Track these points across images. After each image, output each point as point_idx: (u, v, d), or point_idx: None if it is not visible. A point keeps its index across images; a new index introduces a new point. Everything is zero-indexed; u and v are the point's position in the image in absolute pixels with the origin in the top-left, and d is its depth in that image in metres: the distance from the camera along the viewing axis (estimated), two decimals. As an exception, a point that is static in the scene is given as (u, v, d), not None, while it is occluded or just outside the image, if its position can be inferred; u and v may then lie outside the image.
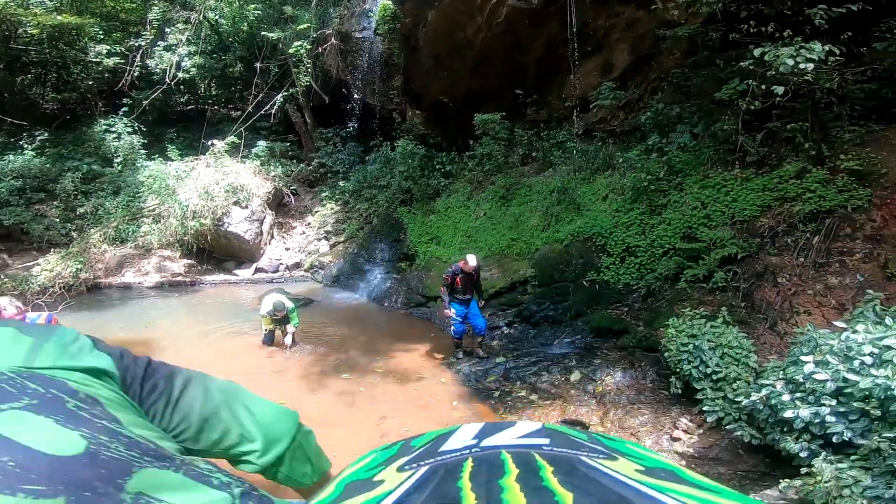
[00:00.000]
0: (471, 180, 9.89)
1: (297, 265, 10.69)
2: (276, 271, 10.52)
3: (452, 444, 0.47)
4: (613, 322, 5.91)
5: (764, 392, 3.36)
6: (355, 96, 12.50)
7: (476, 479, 0.37)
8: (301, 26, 11.81)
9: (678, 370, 4.18)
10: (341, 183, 12.08)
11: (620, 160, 7.28)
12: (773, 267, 4.92)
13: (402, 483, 0.39)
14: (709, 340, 4.05)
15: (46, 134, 11.70)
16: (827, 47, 4.65)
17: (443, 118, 11.15)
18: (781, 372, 3.45)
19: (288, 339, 6.54)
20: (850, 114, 5.35)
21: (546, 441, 0.45)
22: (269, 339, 6.64)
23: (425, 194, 10.20)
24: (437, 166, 10.56)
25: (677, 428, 4.18)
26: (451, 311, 6.06)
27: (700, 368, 3.96)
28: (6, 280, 8.12)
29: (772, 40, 5.09)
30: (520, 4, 8.63)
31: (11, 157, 10.78)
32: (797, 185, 5.19)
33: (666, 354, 4.32)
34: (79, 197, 10.58)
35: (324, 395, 5.44)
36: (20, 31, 11.70)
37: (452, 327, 6.23)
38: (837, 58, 4.73)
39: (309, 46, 11.77)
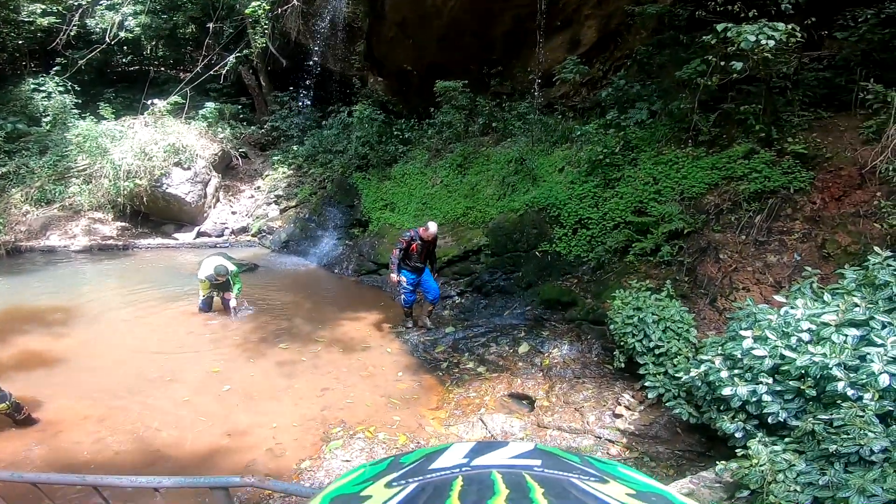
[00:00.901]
0: (429, 148, 9.53)
1: (244, 230, 10.04)
2: (220, 235, 9.85)
3: (443, 462, 0.45)
4: (563, 293, 5.79)
5: (703, 368, 3.25)
6: (315, 60, 11.80)
7: (465, 499, 0.36)
8: None
9: (622, 343, 4.08)
10: (295, 147, 11.54)
11: (578, 133, 7.08)
12: (716, 243, 4.88)
13: (389, 499, 0.38)
14: (653, 313, 3.94)
15: None
16: (790, 26, 4.56)
17: (405, 86, 10.70)
18: (720, 348, 3.34)
19: (233, 303, 6.13)
20: (802, 99, 5.39)
21: (537, 462, 0.44)
22: (207, 306, 6.25)
23: (382, 160, 9.79)
24: (396, 133, 10.17)
25: (619, 404, 4.09)
26: (402, 279, 5.75)
27: (643, 342, 3.85)
28: None
29: (736, 21, 4.97)
30: None
31: None
32: (745, 165, 5.17)
33: (612, 327, 4.20)
34: (0, 157, 9.55)
35: (263, 364, 5.19)
36: None
37: (402, 296, 5.91)
38: (798, 40, 4.68)
39: (268, 7, 10.92)
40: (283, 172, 11.07)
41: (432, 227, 5.64)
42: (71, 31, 11.71)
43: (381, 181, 9.50)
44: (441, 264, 7.45)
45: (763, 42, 4.49)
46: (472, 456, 0.45)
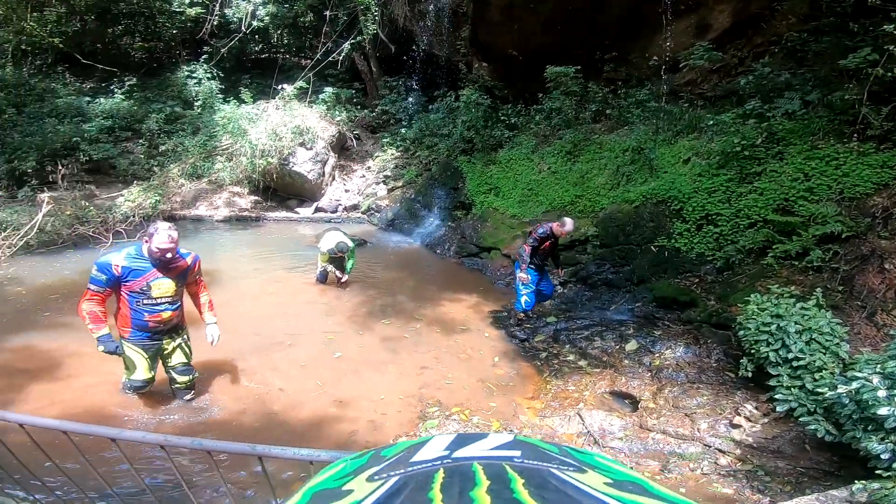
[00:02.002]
0: (536, 134, 9.45)
1: (355, 207, 10.84)
2: (334, 211, 10.74)
3: (424, 454, 0.46)
4: (680, 292, 5.48)
5: (854, 385, 2.96)
6: (421, 46, 12.11)
7: (447, 491, 0.36)
8: None
9: (753, 351, 3.79)
10: (403, 130, 12.04)
11: (710, 122, 6.54)
12: (881, 251, 4.29)
13: (371, 493, 0.38)
14: (796, 323, 3.60)
15: (135, 80, 12.39)
16: None
17: (511, 71, 10.60)
18: (879, 366, 3.02)
19: (344, 278, 6.64)
20: None
21: (517, 453, 0.45)
22: (323, 277, 6.70)
23: (487, 145, 9.90)
24: (502, 118, 10.19)
25: (739, 414, 3.85)
26: (528, 277, 5.39)
27: (780, 353, 3.55)
28: (92, 209, 8.83)
29: None
30: None
31: (102, 99, 11.63)
32: None
33: (741, 333, 3.92)
34: (161, 136, 11.18)
35: (369, 337, 5.46)
36: None
37: (523, 297, 5.52)
38: None
39: None
40: (392, 154, 11.70)
41: (569, 223, 5.20)
42: (214, 20, 13.00)
43: (486, 165, 9.63)
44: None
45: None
46: (452, 448, 0.46)
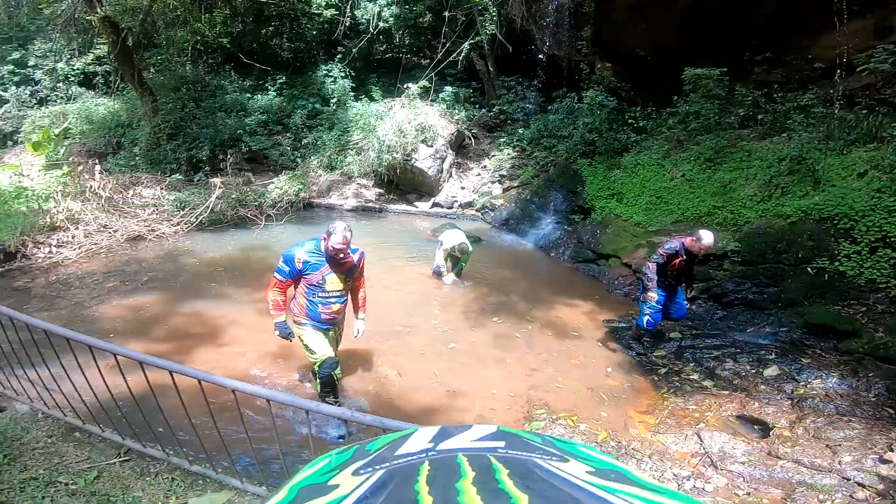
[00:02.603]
0: (669, 138, 8.84)
1: (470, 204, 11.13)
2: (450, 207, 11.13)
3: (409, 447, 0.46)
4: (840, 320, 4.92)
5: None
6: (540, 46, 11.96)
7: (433, 483, 0.37)
8: None
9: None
10: (520, 130, 12.03)
11: None
12: None
13: (357, 487, 0.39)
14: None
15: (284, 78, 13.98)
16: None
17: (638, 72, 10.03)
18: None
19: (455, 276, 6.90)
20: None
21: (501, 444, 0.45)
22: (439, 271, 7.00)
23: (611, 148, 9.49)
24: (629, 120, 9.71)
25: (893, 450, 3.46)
26: (655, 296, 4.93)
27: None
28: (250, 193, 10.28)
29: None
30: None
31: (259, 96, 13.39)
32: None
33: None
34: (304, 130, 12.57)
35: (482, 333, 5.58)
36: None
37: (646, 316, 5.07)
38: None
39: None
40: (508, 154, 11.78)
41: (708, 238, 4.61)
42: (346, 22, 14.01)
43: (609, 169, 9.26)
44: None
45: None
46: (437, 440, 0.47)
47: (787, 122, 7.39)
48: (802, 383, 4.46)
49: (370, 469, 0.42)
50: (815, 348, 4.92)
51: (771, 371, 4.66)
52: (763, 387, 4.50)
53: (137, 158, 11.87)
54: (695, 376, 4.80)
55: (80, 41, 15.55)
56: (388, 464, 0.42)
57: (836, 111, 6.85)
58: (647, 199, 8.24)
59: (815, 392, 4.32)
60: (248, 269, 7.36)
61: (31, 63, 15.91)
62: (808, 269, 5.43)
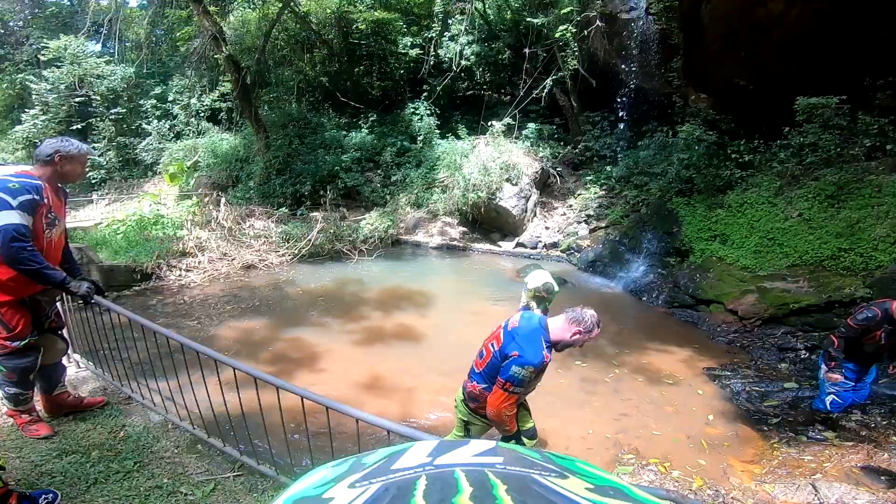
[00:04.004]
0: (781, 174, 8.18)
1: (555, 245, 10.98)
2: (534, 248, 11.05)
3: (406, 461, 0.46)
4: None
5: None
6: (625, 80, 11.80)
7: (429, 498, 0.37)
8: (564, 10, 11.80)
9: None
10: (608, 167, 11.78)
11: None
12: None
13: (352, 501, 0.38)
14: None
15: (374, 116, 14.95)
16: None
17: (739, 103, 9.47)
18: None
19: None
20: None
21: (499, 460, 0.45)
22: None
23: (711, 185, 8.95)
24: (732, 155, 9.10)
25: None
26: (838, 377, 4.10)
27: None
28: (346, 228, 11.09)
29: None
30: None
31: (353, 133, 14.38)
32: None
33: None
34: (393, 167, 13.32)
35: (568, 376, 5.46)
36: (354, 27, 15.11)
37: (832, 396, 4.20)
38: None
39: (574, 30, 11.65)
40: (595, 192, 11.56)
41: None
42: (430, 61, 14.78)
43: (710, 209, 8.72)
44: (787, 310, 6.36)
45: None
46: (434, 455, 0.46)
47: None
48: (946, 440, 3.92)
49: (366, 482, 0.42)
50: None
51: (908, 424, 4.17)
52: (895, 438, 4.10)
53: (252, 192, 13.22)
54: (814, 427, 4.42)
55: (210, 78, 17.16)
56: (384, 477, 0.42)
57: None
58: (756, 240, 7.64)
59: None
60: (342, 300, 7.87)
61: (169, 98, 17.70)
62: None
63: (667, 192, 9.58)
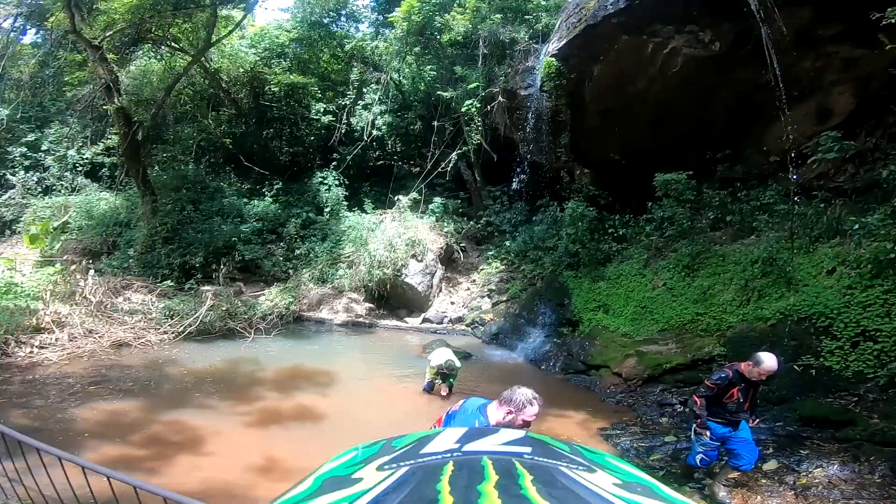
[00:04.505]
0: (648, 246, 9.48)
1: (460, 319, 11.38)
2: (440, 323, 11.35)
3: (435, 446, 0.47)
4: (834, 412, 5.22)
5: None
6: (522, 154, 12.54)
7: (455, 483, 0.38)
8: (471, 85, 12.57)
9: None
10: (507, 243, 12.60)
11: (855, 226, 6.23)
12: None
13: (380, 482, 0.40)
14: None
15: (281, 183, 14.31)
16: None
17: (614, 177, 10.86)
18: None
19: (444, 391, 6.99)
20: None
21: (528, 450, 0.46)
22: (430, 388, 7.16)
23: (594, 259, 9.99)
24: (609, 230, 10.36)
25: None
26: (706, 433, 4.38)
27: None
28: (241, 305, 10.50)
29: None
30: (697, 52, 8.29)
31: (256, 201, 13.84)
32: None
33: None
34: (297, 240, 13.03)
35: None
36: (266, 88, 15.07)
37: (700, 455, 4.49)
38: None
39: (478, 105, 12.44)
40: (496, 267, 12.39)
41: (768, 361, 4.13)
42: (342, 129, 14.85)
43: (594, 281, 9.67)
44: (662, 370, 7.17)
45: None
46: (463, 441, 0.48)
47: (754, 222, 8.10)
48: (804, 473, 4.63)
49: (395, 465, 0.43)
50: (812, 439, 5.12)
51: (770, 465, 4.86)
52: (764, 481, 4.63)
53: (131, 261, 11.96)
54: (693, 477, 4.89)
55: (94, 128, 15.74)
56: (412, 461, 0.44)
57: (795, 206, 7.47)
58: (632, 309, 8.61)
59: (817, 480, 4.52)
60: (233, 381, 7.41)
61: (43, 147, 15.84)
62: (795, 366, 5.67)
63: (558, 266, 10.53)
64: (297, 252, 12.77)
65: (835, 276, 6.21)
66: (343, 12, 17.25)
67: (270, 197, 14.19)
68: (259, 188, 14.73)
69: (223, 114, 15.44)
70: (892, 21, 5.31)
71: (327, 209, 13.84)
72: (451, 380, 7.02)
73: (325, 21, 16.25)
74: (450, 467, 0.42)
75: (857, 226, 6.18)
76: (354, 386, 7.63)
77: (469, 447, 0.48)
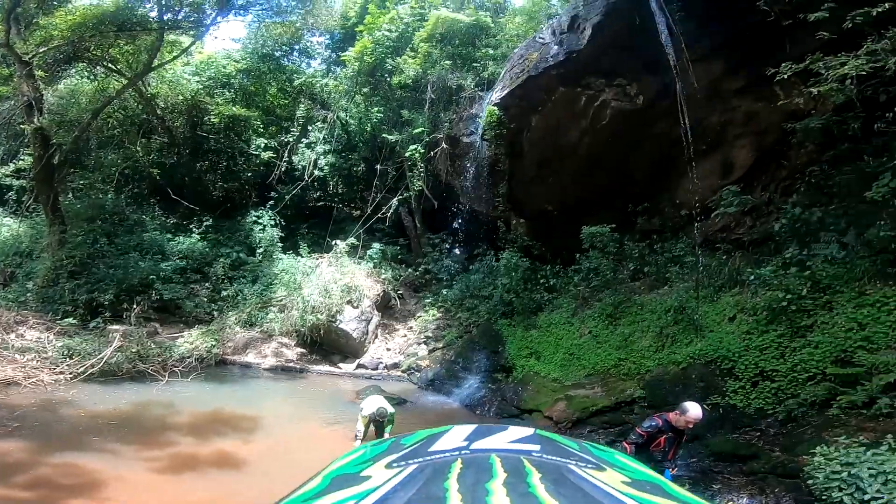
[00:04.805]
0: (576, 296, 10.04)
1: (396, 365, 11.25)
2: (375, 369, 11.16)
3: (443, 444, 0.48)
4: (740, 447, 5.63)
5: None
6: (462, 202, 12.70)
7: (463, 481, 0.39)
8: (416, 130, 12.67)
9: (825, 497, 3.77)
10: (444, 291, 12.73)
11: (752, 277, 7.01)
12: None
13: (388, 480, 0.41)
14: (869, 468, 3.64)
15: (211, 220, 13.63)
16: None
17: (547, 228, 11.36)
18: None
19: (386, 433, 6.84)
20: None
21: (536, 447, 0.47)
22: (361, 436, 6.94)
23: (527, 308, 10.44)
24: (541, 280, 10.86)
25: None
26: None
27: (855, 495, 3.53)
28: (154, 347, 9.73)
29: None
30: (624, 105, 9.05)
31: (181, 238, 13.04)
32: None
33: (810, 482, 3.90)
34: (225, 281, 12.43)
35: None
36: (206, 118, 14.44)
37: None
38: None
39: (422, 150, 12.48)
40: (433, 315, 12.51)
41: (693, 410, 4.24)
42: (282, 166, 14.37)
43: (527, 329, 10.11)
44: (589, 413, 7.51)
45: None
46: (472, 439, 0.48)
47: (667, 273, 8.88)
48: (717, 506, 4.91)
49: (403, 463, 0.44)
50: (723, 473, 5.46)
51: (684, 500, 5.08)
52: (678, 516, 4.84)
53: (29, 294, 10.87)
54: None
55: (7, 147, 14.70)
56: (420, 459, 0.44)
57: (701, 258, 8.22)
58: (561, 356, 9.06)
59: (729, 514, 4.77)
60: (141, 425, 6.88)
61: None
62: (704, 405, 6.18)
63: (493, 315, 10.89)
64: (224, 293, 12.20)
65: (735, 322, 6.96)
66: (297, 47, 17.23)
67: (198, 234, 13.48)
68: (186, 224, 13.93)
69: (154, 142, 14.69)
70: (786, 76, 5.90)
71: (260, 250, 13.38)
72: (389, 427, 6.88)
73: (277, 54, 16.13)
74: (458, 465, 0.42)
75: (753, 276, 6.96)
76: (281, 431, 7.30)
77: (477, 445, 0.48)
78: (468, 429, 0.55)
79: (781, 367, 5.90)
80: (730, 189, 7.88)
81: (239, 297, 12.09)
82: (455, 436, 0.52)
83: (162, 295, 11.36)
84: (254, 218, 14.11)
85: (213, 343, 10.45)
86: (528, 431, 0.55)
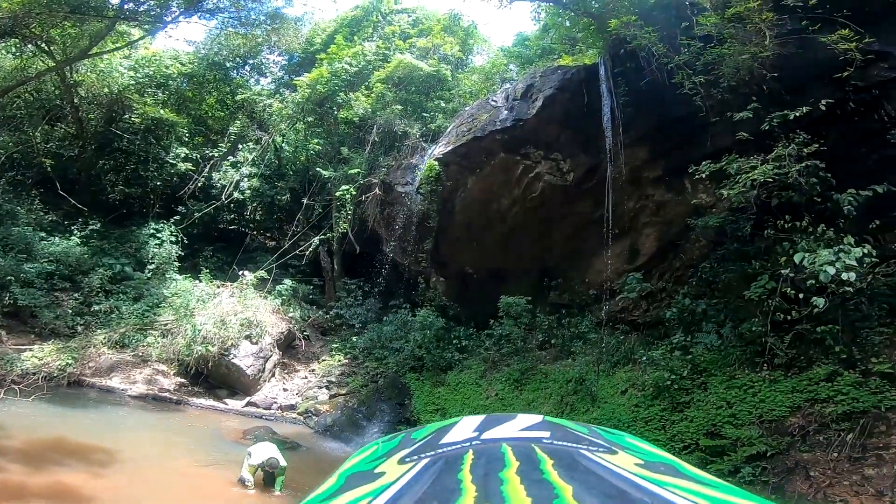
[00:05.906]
0: (486, 359, 10.44)
1: (292, 407, 10.65)
2: (268, 408, 10.49)
3: (454, 436, 0.49)
4: None
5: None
6: (385, 251, 12.65)
7: (476, 472, 0.40)
8: (352, 170, 12.59)
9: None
10: (354, 338, 12.50)
11: (644, 357, 7.89)
12: (804, 462, 5.27)
13: (402, 475, 0.42)
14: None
15: (99, 224, 12.57)
16: (865, 249, 5.08)
17: (466, 290, 11.77)
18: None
19: (277, 492, 6.37)
20: (879, 313, 5.77)
21: (547, 434, 0.48)
22: (244, 481, 6.42)
23: (437, 365, 10.66)
24: (454, 340, 11.22)
25: None
26: None
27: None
28: (-7, 355, 8.33)
29: (803, 233, 5.68)
30: (555, 180, 9.82)
31: (57, 239, 11.67)
32: (828, 387, 5.64)
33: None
34: (100, 294, 11.20)
35: None
36: (126, 116, 13.60)
37: None
38: (873, 259, 5.16)
39: (354, 192, 12.41)
40: (339, 360, 12.08)
41: None
42: (199, 181, 13.52)
43: (435, 386, 10.27)
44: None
45: (844, 277, 4.90)
46: (482, 429, 0.50)
47: (572, 346, 9.60)
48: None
49: (416, 457, 0.44)
50: None
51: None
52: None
53: None
54: None
55: None
56: (433, 452, 0.45)
57: (603, 336, 8.99)
58: (467, 415, 9.15)
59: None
60: None
61: None
62: (598, 473, 6.61)
63: (402, 367, 10.93)
64: (96, 308, 11.03)
65: (626, 395, 7.69)
66: (251, 61, 17.00)
67: (79, 237, 12.17)
68: (68, 224, 12.57)
69: (58, 130, 13.54)
70: (703, 175, 6.56)
71: (151, 266, 12.37)
72: (281, 479, 6.36)
73: (228, 64, 15.75)
74: (470, 456, 0.43)
75: (644, 357, 7.90)
76: (145, 468, 6.63)
77: (488, 435, 0.49)
78: (477, 419, 0.57)
79: (662, 437, 6.54)
80: (634, 275, 8.83)
81: (114, 315, 10.99)
82: (465, 427, 0.54)
83: (17, 299, 9.98)
84: (152, 230, 13.09)
85: (70, 361, 9.28)
86: (537, 419, 0.57)
